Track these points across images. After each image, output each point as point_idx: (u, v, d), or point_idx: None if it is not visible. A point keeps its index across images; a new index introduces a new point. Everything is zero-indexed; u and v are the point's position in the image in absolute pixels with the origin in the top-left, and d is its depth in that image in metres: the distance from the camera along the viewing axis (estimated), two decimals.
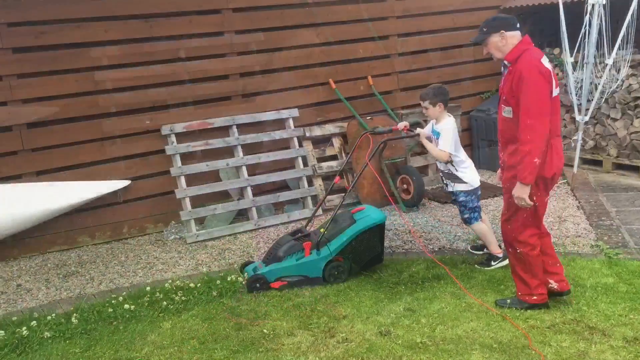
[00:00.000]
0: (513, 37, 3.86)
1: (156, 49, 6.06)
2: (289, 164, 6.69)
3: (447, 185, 4.97)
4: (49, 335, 3.97)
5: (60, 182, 5.71)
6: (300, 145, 6.70)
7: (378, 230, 4.74)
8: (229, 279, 4.66)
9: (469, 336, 3.72)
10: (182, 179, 6.07)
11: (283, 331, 3.90)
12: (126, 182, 6.02)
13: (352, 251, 4.68)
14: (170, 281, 4.73)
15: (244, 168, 6.35)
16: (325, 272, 4.63)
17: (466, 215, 4.88)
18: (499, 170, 4.27)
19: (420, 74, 7.59)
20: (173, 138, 6.13)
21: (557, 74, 7.90)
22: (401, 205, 6.48)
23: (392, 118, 7.04)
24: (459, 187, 4.83)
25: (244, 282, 4.62)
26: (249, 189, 6.31)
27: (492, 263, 4.80)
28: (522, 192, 3.75)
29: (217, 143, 6.29)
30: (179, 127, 6.17)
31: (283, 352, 3.63)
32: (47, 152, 5.75)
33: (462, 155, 4.85)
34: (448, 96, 4.92)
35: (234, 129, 6.41)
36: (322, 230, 4.76)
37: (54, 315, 4.23)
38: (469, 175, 4.83)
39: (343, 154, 6.93)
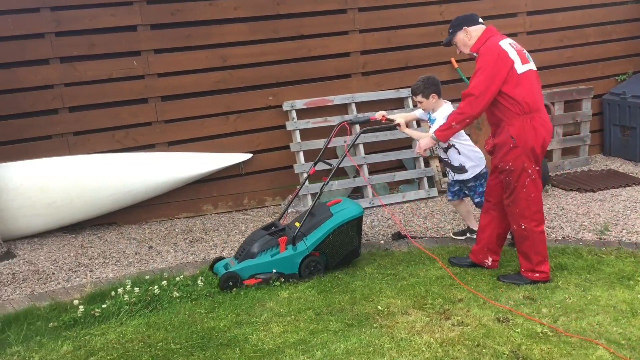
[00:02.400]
0: (476, 30, 4.14)
1: (281, 25, 6.21)
2: (406, 144, 6.64)
3: (448, 174, 4.99)
4: (177, 295, 4.24)
5: (188, 152, 6.06)
6: (419, 125, 6.61)
7: (356, 223, 4.58)
8: None
9: (594, 330, 3.54)
10: (301, 155, 6.21)
11: (397, 309, 3.91)
12: (248, 155, 6.26)
13: (329, 246, 4.51)
14: None
15: (361, 146, 6.39)
16: (301, 267, 4.47)
17: (477, 200, 4.88)
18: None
19: (548, 54, 7.21)
20: (294, 114, 6.27)
21: None
22: None
23: None
24: (459, 177, 4.86)
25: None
26: (365, 167, 6.35)
27: (468, 234, 5.06)
28: (427, 144, 4.35)
29: (335, 120, 6.36)
30: (300, 104, 6.30)
31: (397, 329, 3.65)
32: (178, 123, 6.09)
33: (466, 141, 4.83)
34: (439, 84, 4.81)
35: (353, 106, 6.45)
36: (297, 224, 4.57)
37: (181, 277, 4.51)
38: (472, 162, 4.80)
39: None
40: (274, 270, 4.40)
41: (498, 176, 4.24)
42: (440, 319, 3.75)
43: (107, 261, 5.09)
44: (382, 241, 5.25)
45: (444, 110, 4.76)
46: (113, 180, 5.60)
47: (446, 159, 4.93)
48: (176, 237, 5.63)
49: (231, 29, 6.05)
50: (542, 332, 3.53)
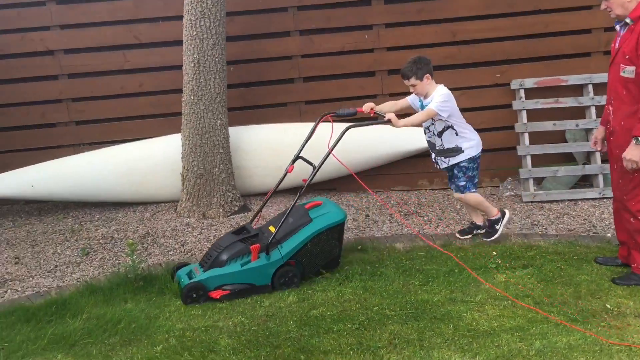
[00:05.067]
0: None
1: (518, 0, 5.92)
2: None
3: (438, 163, 4.60)
4: (389, 264, 4.38)
5: (409, 127, 6.11)
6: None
7: (337, 230, 4.17)
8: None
9: None
10: (526, 136, 5.92)
11: (629, 310, 3.57)
12: None
13: (306, 255, 4.08)
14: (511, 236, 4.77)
15: (595, 131, 5.88)
16: (274, 278, 4.04)
17: (462, 183, 4.54)
18: (596, 135, 4.14)
19: None
20: (522, 93, 5.98)
21: None
22: None
23: None
24: (455, 160, 4.49)
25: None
26: (597, 155, 5.84)
27: (496, 227, 4.63)
28: (634, 155, 3.57)
29: (568, 102, 5.94)
30: (530, 83, 5.98)
31: (628, 332, 3.34)
32: (401, 97, 6.14)
33: (463, 123, 4.46)
34: (431, 64, 4.32)
35: (589, 88, 5.94)
36: (271, 228, 4.13)
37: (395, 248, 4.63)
38: (469, 143, 4.45)
39: None
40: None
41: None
42: None
43: None
44: (609, 235, 4.82)
45: (438, 91, 4.32)
46: (336, 148, 5.87)
47: (439, 145, 4.50)
48: (391, 209, 5.76)
49: (464, 3, 5.93)
50: None
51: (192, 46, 5.31)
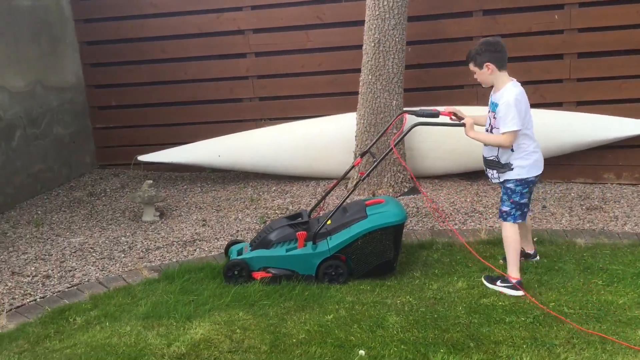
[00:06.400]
0: None
1: None
2: None
3: (490, 177, 3.84)
4: (568, 259, 4.11)
5: (598, 115, 5.67)
6: None
7: (393, 232, 3.87)
8: None
9: None
10: None
11: None
12: None
13: (355, 252, 3.89)
14: None
15: None
16: (319, 270, 3.88)
17: (505, 208, 3.76)
18: None
19: None
20: None
21: None
22: None
23: None
24: (505, 175, 3.73)
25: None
26: None
27: (498, 283, 3.75)
28: None
29: None
30: None
31: None
32: (591, 83, 5.76)
33: (525, 135, 3.63)
34: (502, 52, 3.56)
35: None
36: (327, 220, 3.95)
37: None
38: (523, 162, 3.67)
39: None
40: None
41: None
42: None
43: None
44: None
45: (506, 92, 3.57)
46: None
47: (492, 155, 3.76)
48: (572, 202, 5.40)
49: None
50: None
51: (374, 26, 5.35)
